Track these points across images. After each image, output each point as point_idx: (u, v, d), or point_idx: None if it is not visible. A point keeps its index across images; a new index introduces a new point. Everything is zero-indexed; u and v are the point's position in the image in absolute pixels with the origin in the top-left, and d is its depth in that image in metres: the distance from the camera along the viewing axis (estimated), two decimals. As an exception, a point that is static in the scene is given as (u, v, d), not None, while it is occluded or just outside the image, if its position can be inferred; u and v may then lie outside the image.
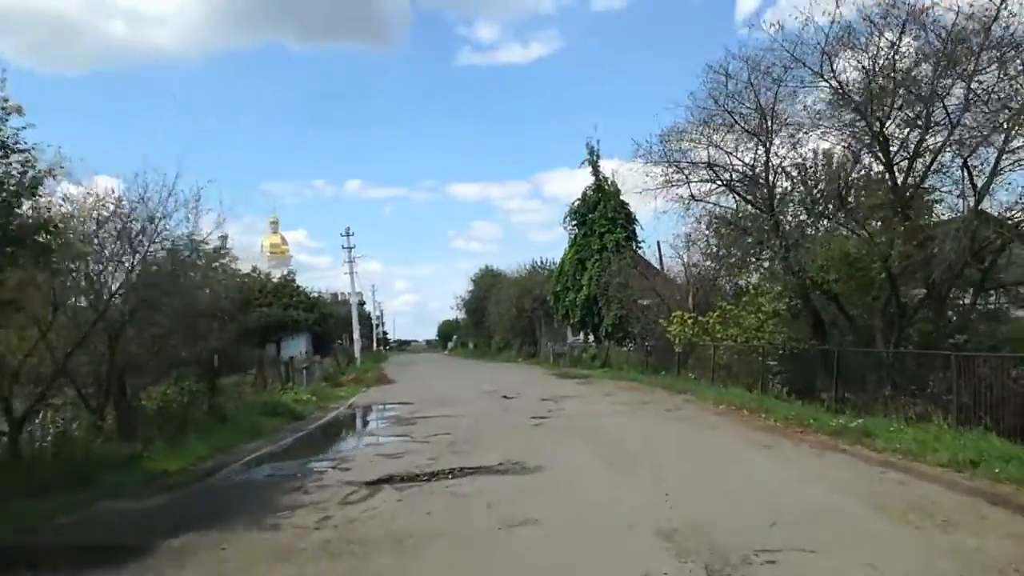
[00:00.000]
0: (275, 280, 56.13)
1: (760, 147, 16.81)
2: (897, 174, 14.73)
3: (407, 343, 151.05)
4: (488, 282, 62.62)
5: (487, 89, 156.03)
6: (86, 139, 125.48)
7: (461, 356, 74.47)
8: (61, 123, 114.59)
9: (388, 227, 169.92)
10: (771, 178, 16.86)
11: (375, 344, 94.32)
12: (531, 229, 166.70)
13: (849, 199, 15.36)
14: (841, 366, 15.00)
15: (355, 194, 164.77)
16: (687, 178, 18.03)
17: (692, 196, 18.28)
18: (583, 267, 39.66)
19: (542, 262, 52.51)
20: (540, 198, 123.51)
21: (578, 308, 39.40)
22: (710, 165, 17.54)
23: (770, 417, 14.50)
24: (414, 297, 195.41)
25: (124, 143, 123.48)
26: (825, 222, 16.52)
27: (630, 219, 40.07)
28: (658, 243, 37.88)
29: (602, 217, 39.25)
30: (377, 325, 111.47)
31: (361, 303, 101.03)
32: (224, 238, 17.08)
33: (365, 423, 20.07)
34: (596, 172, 40.09)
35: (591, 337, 41.89)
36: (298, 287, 56.43)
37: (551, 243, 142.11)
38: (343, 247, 49.83)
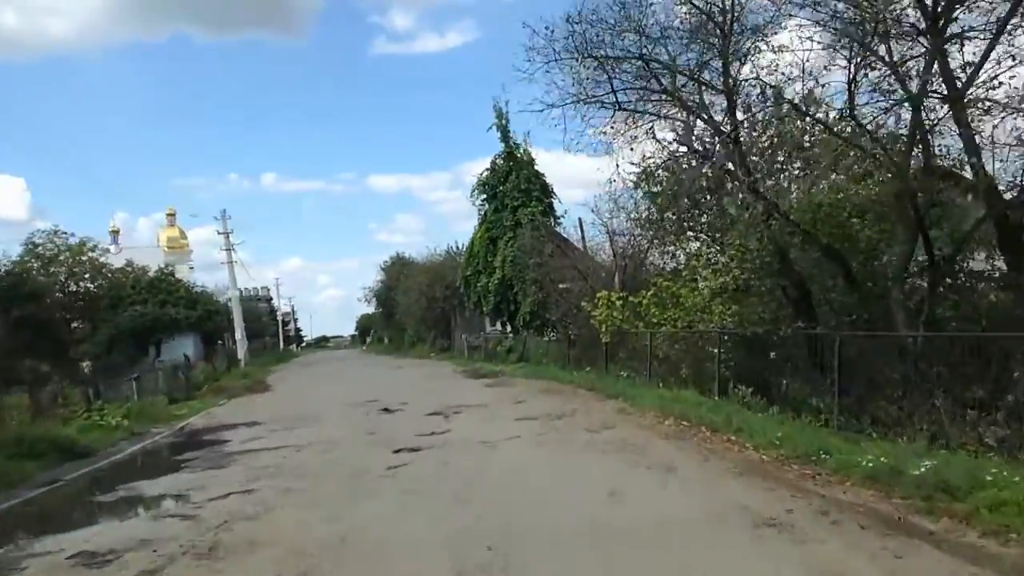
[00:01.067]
0: (151, 275, 48.89)
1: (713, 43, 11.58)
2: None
3: (327, 340, 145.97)
4: (398, 271, 56.61)
5: (404, 79, 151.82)
6: None
7: (374, 352, 68.25)
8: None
9: (307, 221, 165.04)
10: (730, 81, 11.67)
11: (282, 342, 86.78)
12: (455, 220, 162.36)
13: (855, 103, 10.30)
14: (844, 359, 9.92)
15: (271, 187, 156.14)
16: (611, 83, 12.40)
17: (618, 106, 12.65)
18: (495, 247, 34.27)
19: (457, 247, 46.86)
20: (463, 188, 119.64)
21: (491, 294, 34.01)
22: (643, 59, 12.04)
23: (747, 443, 9.37)
24: (338, 292, 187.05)
25: (22, 137, 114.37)
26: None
27: (546, 191, 34.84)
28: (579, 220, 32.95)
29: (514, 189, 33.90)
30: (287, 322, 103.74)
31: (267, 299, 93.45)
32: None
33: (146, 467, 13.93)
34: (506, 138, 34.67)
35: (508, 327, 36.64)
36: (178, 282, 49.25)
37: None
38: (218, 232, 43.08)
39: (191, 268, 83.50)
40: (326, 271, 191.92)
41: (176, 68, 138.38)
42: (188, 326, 47.07)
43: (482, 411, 15.85)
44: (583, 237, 34.47)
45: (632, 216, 20.82)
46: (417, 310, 44.59)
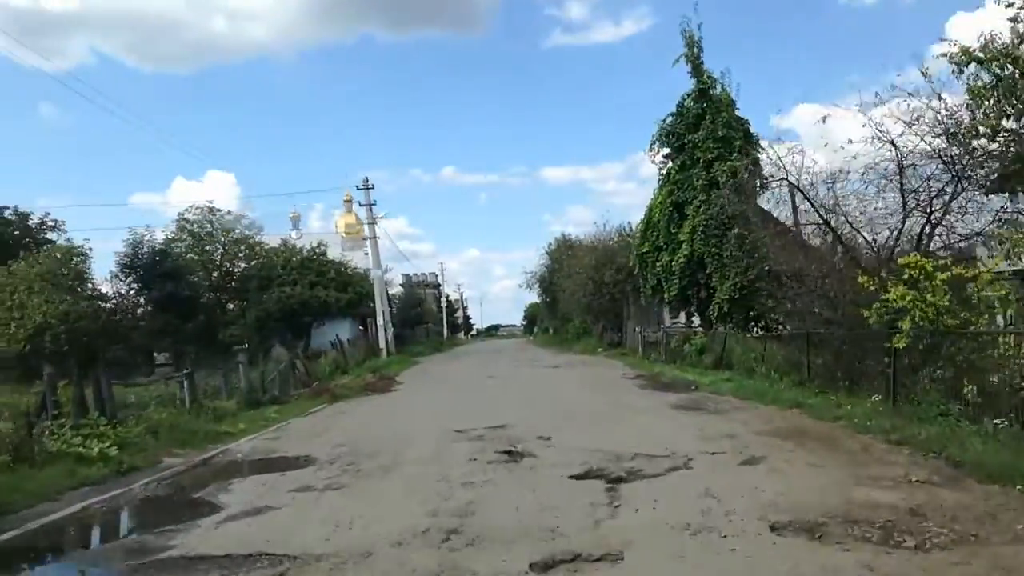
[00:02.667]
0: (304, 254, 44.98)
1: None
2: None
3: (496, 329, 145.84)
4: (562, 253, 49.33)
5: (578, 70, 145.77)
6: (195, 135, 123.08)
7: (539, 344, 61.64)
8: (168, 120, 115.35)
9: (484, 213, 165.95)
10: None
11: (447, 330, 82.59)
12: (628, 211, 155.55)
13: None
14: None
15: (450, 180, 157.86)
16: None
17: None
18: (681, 215, 25.87)
19: (630, 228, 38.64)
20: (636, 179, 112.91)
21: (675, 276, 25.63)
22: None
23: None
24: (511, 282, 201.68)
25: (228, 137, 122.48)
26: None
27: (751, 140, 25.87)
28: (791, 185, 23.86)
29: (709, 137, 25.23)
30: (455, 309, 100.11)
31: (435, 285, 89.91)
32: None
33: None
34: (698, 71, 26.04)
35: (695, 319, 28.11)
36: (328, 261, 44.99)
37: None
38: (360, 203, 37.72)
39: (367, 254, 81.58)
40: (501, 262, 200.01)
41: (362, 67, 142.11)
42: (339, 309, 42.61)
43: (686, 482, 7.92)
44: (794, 206, 25.45)
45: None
46: (583, 297, 37.00)
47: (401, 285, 67.70)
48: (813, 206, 17.32)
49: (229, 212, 45.08)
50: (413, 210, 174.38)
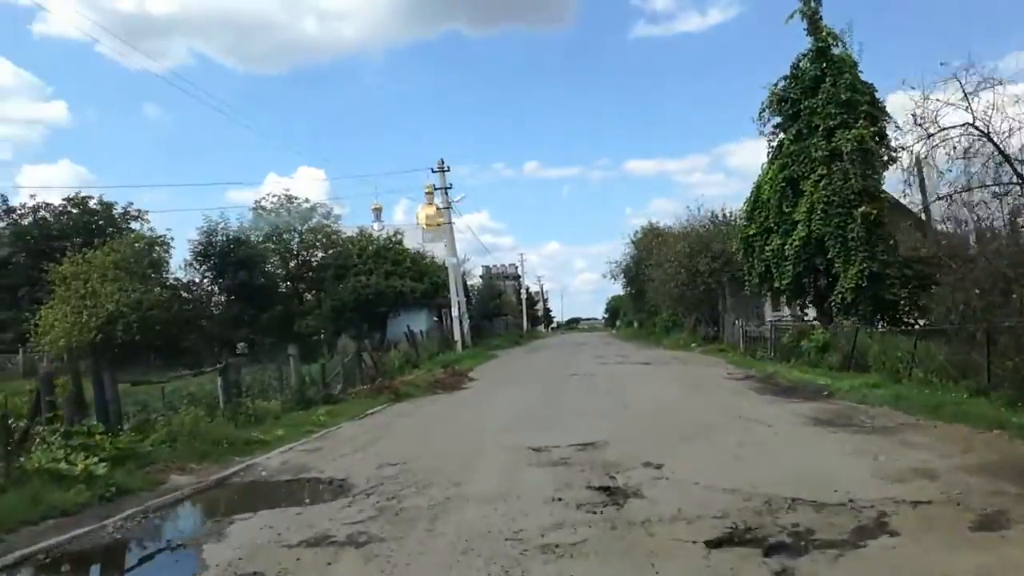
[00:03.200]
0: (379, 243, 43.23)
1: None
2: None
3: (577, 322, 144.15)
4: (650, 242, 45.89)
5: (663, 61, 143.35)
6: (287, 133, 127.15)
7: (624, 337, 58.29)
8: (261, 118, 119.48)
9: (566, 206, 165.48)
10: None
11: (527, 323, 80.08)
12: (713, 204, 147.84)
13: None
14: None
15: (533, 175, 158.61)
16: None
17: None
18: (795, 192, 22.28)
19: (724, 216, 34.97)
20: (723, 171, 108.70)
21: (789, 261, 22.07)
22: None
23: None
24: (592, 276, 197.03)
25: (318, 135, 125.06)
26: None
27: (877, 106, 22.05)
28: (916, 157, 20.18)
29: (830, 102, 21.51)
30: (536, 301, 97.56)
31: (515, 276, 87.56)
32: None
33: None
34: (815, 29, 22.34)
35: (808, 311, 24.47)
36: (404, 251, 43.07)
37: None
38: (436, 187, 35.13)
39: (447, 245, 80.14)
40: (582, 255, 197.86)
41: (447, 64, 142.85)
42: (415, 300, 40.66)
43: (901, 565, 4.87)
44: (922, 184, 21.77)
45: None
46: (674, 287, 33.59)
47: (480, 277, 65.63)
48: (1009, 162, 13.64)
49: (307, 200, 43.91)
50: (495, 204, 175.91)
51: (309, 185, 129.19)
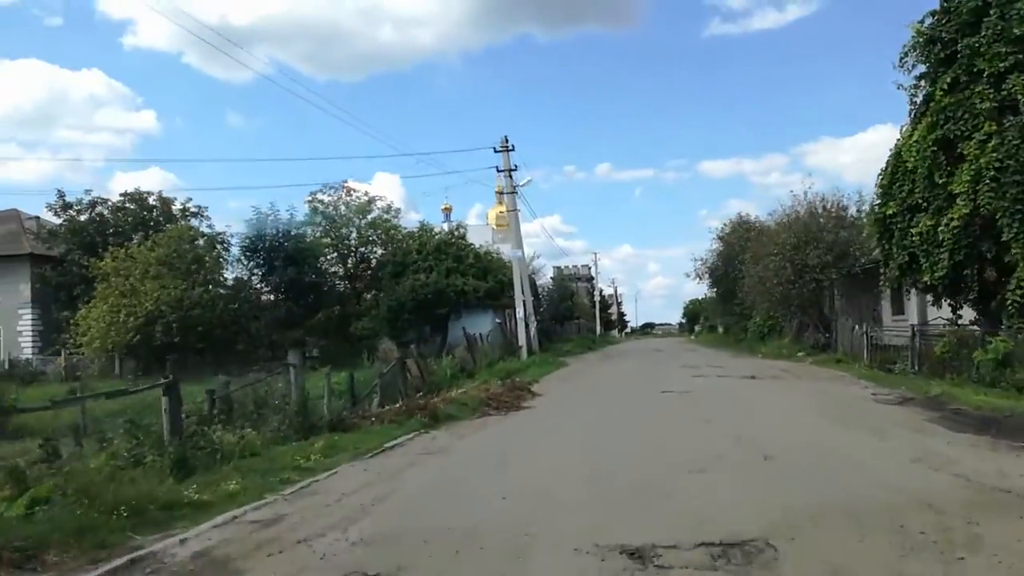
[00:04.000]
0: (440, 236, 39.55)
1: None
2: None
3: (652, 327, 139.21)
4: (740, 237, 40.66)
5: (738, 60, 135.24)
6: (364, 139, 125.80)
7: (706, 343, 52.93)
8: (341, 127, 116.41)
9: (638, 209, 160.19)
10: None
11: (600, 327, 75.24)
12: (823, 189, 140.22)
13: None
14: None
15: (604, 177, 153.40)
16: None
17: None
18: (952, 156, 17.10)
19: (837, 199, 29.46)
20: (801, 171, 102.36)
21: (943, 248, 16.90)
22: None
23: None
24: (666, 280, 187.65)
25: (393, 140, 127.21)
26: None
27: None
28: None
29: (999, 39, 16.30)
30: (609, 304, 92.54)
31: (587, 278, 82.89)
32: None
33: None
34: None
35: (958, 311, 19.13)
36: (467, 246, 39.22)
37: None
38: (499, 169, 30.77)
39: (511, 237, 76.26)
40: (655, 258, 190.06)
41: (520, 67, 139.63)
42: (478, 300, 36.79)
43: None
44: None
45: None
46: (774, 285, 28.40)
47: (552, 278, 61.21)
48: None
49: (366, 193, 40.68)
50: (567, 207, 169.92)
51: (386, 190, 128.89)
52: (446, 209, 76.79)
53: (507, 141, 29.52)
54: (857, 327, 24.70)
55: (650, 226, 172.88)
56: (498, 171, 30.02)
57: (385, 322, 36.56)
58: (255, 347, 33.88)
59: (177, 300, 30.75)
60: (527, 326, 30.50)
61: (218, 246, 34.46)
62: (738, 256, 39.20)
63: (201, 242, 32.32)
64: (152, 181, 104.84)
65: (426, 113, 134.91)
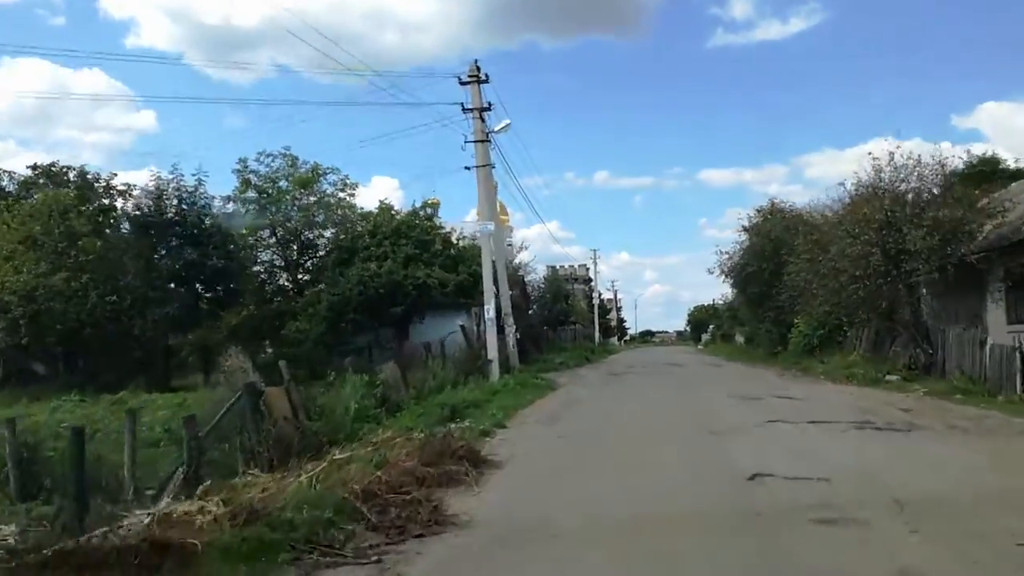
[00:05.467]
0: (401, 218, 31.11)
1: None
2: None
3: (652, 335, 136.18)
4: (774, 226, 32.36)
5: (741, 70, 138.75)
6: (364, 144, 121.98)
7: (727, 356, 44.49)
8: (343, 128, 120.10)
9: (638, 217, 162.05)
10: None
11: (598, 333, 66.69)
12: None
13: None
14: None
15: (603, 185, 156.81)
16: None
17: None
18: None
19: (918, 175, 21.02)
20: (802, 182, 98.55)
21: None
22: None
23: None
24: (663, 288, 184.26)
25: (395, 145, 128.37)
26: None
27: None
28: None
29: None
30: (608, 309, 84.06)
31: (585, 280, 74.50)
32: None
33: None
34: None
35: None
36: (433, 229, 30.81)
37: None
38: (464, 108, 21.65)
39: (509, 246, 67.47)
40: (652, 266, 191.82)
41: (526, 74, 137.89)
42: (446, 296, 28.38)
43: None
44: None
45: None
46: (850, 280, 19.92)
47: (545, 277, 52.62)
48: None
49: (317, 165, 32.16)
50: (565, 214, 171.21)
51: (384, 194, 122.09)
52: (433, 203, 68.47)
53: (478, 69, 21.13)
54: (989, 340, 16.35)
55: (648, 234, 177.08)
56: (464, 111, 21.51)
57: (325, 323, 28.14)
58: (151, 353, 25.44)
59: (30, 288, 22.34)
60: (502, 332, 21.94)
61: (105, 219, 26.03)
62: (775, 249, 30.87)
63: (55, 206, 23.83)
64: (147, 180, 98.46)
65: (429, 115, 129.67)
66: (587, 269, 73.74)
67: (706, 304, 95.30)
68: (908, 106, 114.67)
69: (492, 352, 19.34)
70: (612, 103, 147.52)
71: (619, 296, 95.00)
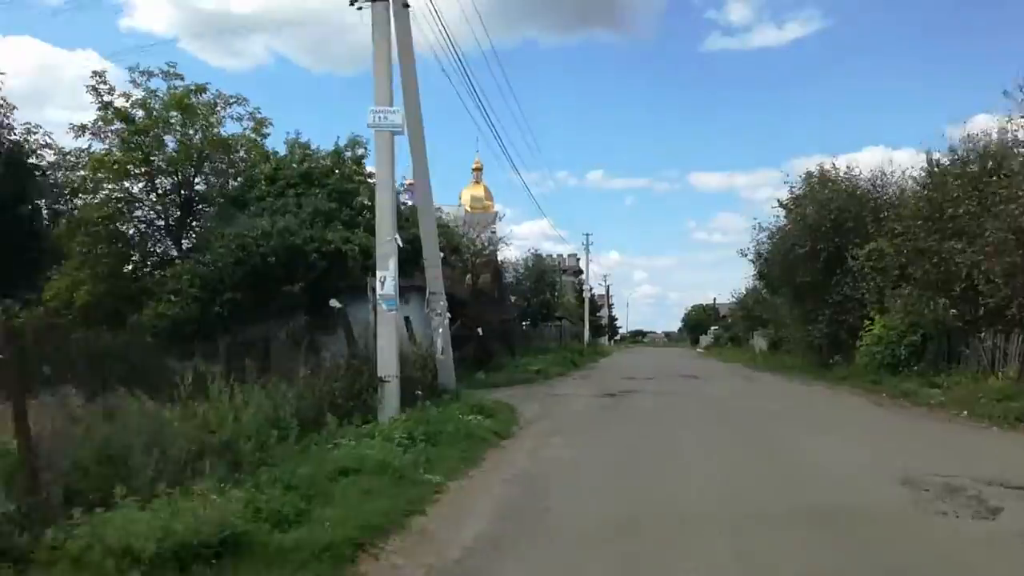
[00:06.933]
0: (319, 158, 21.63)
1: None
2: None
3: (643, 335, 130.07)
4: (835, 195, 23.47)
5: (736, 74, 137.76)
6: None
7: (740, 363, 35.64)
8: (334, 118, 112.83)
9: (629, 218, 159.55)
10: None
11: (588, 332, 57.36)
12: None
13: None
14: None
15: (597, 184, 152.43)
16: None
17: None
18: None
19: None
20: (794, 185, 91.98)
21: None
22: None
23: None
24: (653, 289, 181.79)
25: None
26: None
27: None
28: None
29: None
30: (599, 306, 74.94)
31: (575, 271, 65.42)
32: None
33: None
34: None
35: None
36: (360, 175, 21.53)
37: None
38: None
39: (493, 233, 57.75)
40: (643, 267, 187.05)
41: (524, 70, 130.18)
42: (365, 268, 19.11)
43: None
44: None
45: None
46: (1002, 259, 11.08)
47: (526, 264, 43.24)
48: None
49: (202, 86, 22.61)
50: (558, 212, 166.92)
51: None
52: (411, 185, 58.53)
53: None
54: None
55: (640, 235, 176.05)
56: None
57: (196, 305, 18.91)
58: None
59: None
60: (409, 330, 12.40)
61: None
62: (837, 224, 22.08)
63: None
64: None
65: (424, 109, 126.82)
66: (578, 260, 64.65)
67: (705, 304, 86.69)
68: (903, 114, 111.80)
69: (388, 364, 9.79)
70: (607, 102, 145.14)
71: (611, 293, 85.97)
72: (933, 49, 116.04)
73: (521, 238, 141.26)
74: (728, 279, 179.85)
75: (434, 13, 14.89)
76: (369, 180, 20.46)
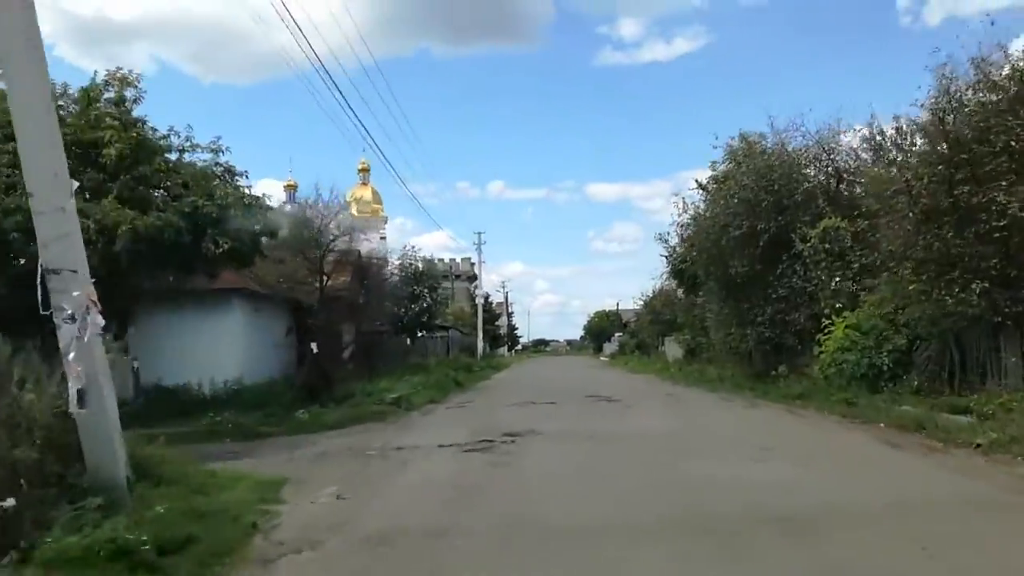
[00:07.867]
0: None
1: None
2: None
3: (545, 344, 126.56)
4: (778, 165, 18.39)
5: (628, 88, 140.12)
6: (251, 144, 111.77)
7: (652, 373, 30.67)
8: (227, 129, 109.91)
9: (530, 228, 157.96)
10: None
11: (482, 344, 51.08)
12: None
13: None
14: None
15: (498, 195, 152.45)
16: None
17: None
18: None
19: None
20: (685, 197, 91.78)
21: None
22: None
23: None
24: (555, 298, 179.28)
25: (285, 148, 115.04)
26: None
27: None
28: None
29: None
30: (498, 314, 69.10)
31: (469, 276, 59.31)
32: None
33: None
34: None
35: None
36: (125, 118, 14.19)
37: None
38: None
39: (383, 238, 50.40)
40: (544, 277, 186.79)
41: (419, 81, 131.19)
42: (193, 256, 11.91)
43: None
44: None
45: None
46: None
47: (401, 265, 35.66)
48: None
49: None
50: (458, 223, 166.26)
51: (271, 197, 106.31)
52: (288, 186, 50.17)
53: None
54: None
55: (540, 245, 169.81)
56: None
57: None
58: None
59: None
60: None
61: None
62: (777, 203, 17.05)
63: None
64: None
65: (319, 120, 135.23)
66: (472, 264, 58.58)
67: (608, 311, 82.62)
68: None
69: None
70: (505, 114, 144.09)
71: (511, 301, 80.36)
72: (816, 58, 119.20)
73: (421, 248, 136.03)
74: (628, 288, 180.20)
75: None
76: (139, 126, 13.52)
